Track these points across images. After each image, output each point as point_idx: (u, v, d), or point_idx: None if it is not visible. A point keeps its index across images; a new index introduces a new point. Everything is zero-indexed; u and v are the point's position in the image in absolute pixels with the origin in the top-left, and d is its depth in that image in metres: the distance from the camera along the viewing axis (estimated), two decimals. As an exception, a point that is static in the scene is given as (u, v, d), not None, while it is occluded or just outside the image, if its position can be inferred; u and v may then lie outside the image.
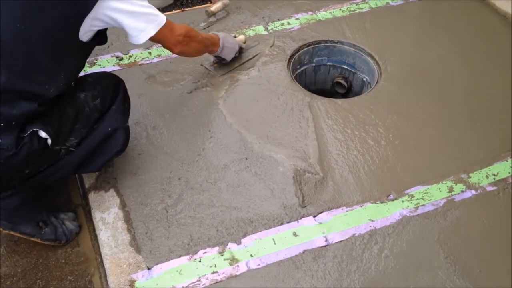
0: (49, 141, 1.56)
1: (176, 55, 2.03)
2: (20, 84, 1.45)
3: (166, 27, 1.73)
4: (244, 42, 2.40)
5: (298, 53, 2.46)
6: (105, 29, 1.66)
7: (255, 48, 2.44)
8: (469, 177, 1.90)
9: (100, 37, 1.67)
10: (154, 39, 1.75)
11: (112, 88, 1.78)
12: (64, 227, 1.86)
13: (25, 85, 1.46)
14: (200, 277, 1.61)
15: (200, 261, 1.65)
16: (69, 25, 1.50)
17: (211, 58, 2.31)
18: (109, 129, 1.75)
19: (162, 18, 1.71)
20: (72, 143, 1.67)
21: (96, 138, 1.74)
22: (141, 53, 2.40)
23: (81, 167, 1.76)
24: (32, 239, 1.78)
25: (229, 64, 2.32)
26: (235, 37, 2.36)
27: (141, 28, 1.65)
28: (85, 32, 1.55)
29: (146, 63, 2.36)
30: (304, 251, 1.68)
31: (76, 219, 1.92)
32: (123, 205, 1.81)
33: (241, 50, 2.37)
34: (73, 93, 1.68)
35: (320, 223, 1.76)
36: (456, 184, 1.88)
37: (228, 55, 2.26)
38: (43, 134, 1.53)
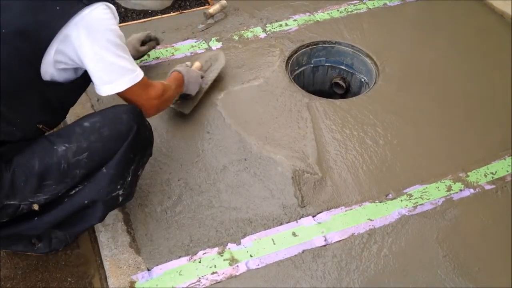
0: None
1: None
2: None
3: (140, 85, 1.52)
4: (201, 68, 2.20)
5: (296, 54, 2.47)
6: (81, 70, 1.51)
7: (211, 68, 2.25)
8: (468, 176, 1.91)
9: (85, 78, 1.51)
10: (122, 96, 1.54)
11: (115, 139, 1.51)
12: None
13: None
14: (200, 278, 1.62)
15: (199, 262, 1.66)
16: (26, 62, 1.36)
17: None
18: (85, 201, 1.54)
19: (137, 74, 1.51)
20: (38, 200, 1.48)
21: (71, 206, 1.56)
22: (140, 55, 2.41)
23: (58, 226, 1.63)
24: (27, 253, 1.77)
25: (193, 98, 2.10)
26: (190, 66, 2.13)
27: (106, 79, 1.46)
28: (50, 72, 1.42)
29: (145, 65, 2.36)
30: (303, 251, 1.68)
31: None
32: (122, 207, 1.81)
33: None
34: (50, 144, 1.48)
35: (319, 223, 1.76)
36: (454, 183, 1.89)
37: (193, 90, 2.03)
38: None
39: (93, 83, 1.49)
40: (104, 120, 1.52)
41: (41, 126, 1.50)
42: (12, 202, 1.45)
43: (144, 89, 1.57)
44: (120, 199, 1.60)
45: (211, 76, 2.22)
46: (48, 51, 1.38)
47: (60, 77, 1.48)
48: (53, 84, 1.46)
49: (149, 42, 2.31)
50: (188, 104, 2.09)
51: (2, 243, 1.70)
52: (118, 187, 1.56)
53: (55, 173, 1.46)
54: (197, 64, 2.17)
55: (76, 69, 1.52)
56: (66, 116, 1.71)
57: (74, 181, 1.51)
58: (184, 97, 2.06)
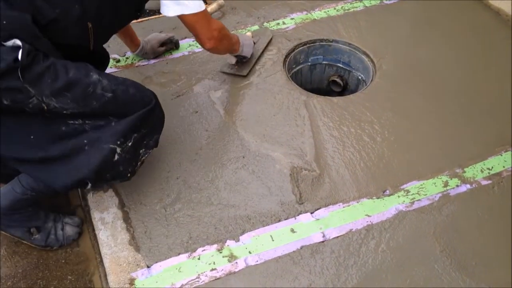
0: (19, 55, 1.36)
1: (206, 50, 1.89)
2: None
3: (204, 15, 1.68)
4: (252, 37, 2.41)
5: (294, 52, 2.48)
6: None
7: (261, 40, 2.46)
8: (464, 172, 1.93)
9: (135, 5, 1.67)
10: (190, 25, 1.70)
11: (134, 100, 1.62)
12: (61, 232, 1.86)
13: None
14: (199, 274, 1.63)
15: (199, 259, 1.67)
16: None
17: (229, 61, 2.29)
18: (85, 140, 1.56)
19: (201, 3, 1.66)
20: (49, 103, 1.46)
21: (70, 142, 1.55)
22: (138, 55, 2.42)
23: (41, 169, 1.57)
24: (23, 241, 1.80)
25: (248, 61, 2.33)
26: None
27: (176, 1, 1.60)
28: None
29: (143, 65, 2.37)
30: (301, 247, 1.70)
31: (80, 225, 1.92)
32: (122, 205, 1.82)
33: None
34: (89, 70, 1.54)
35: (317, 219, 1.77)
36: (451, 179, 1.90)
37: (248, 52, 2.25)
38: (17, 42, 1.36)
39: (161, 3, 1.64)
40: (133, 84, 1.67)
41: (90, 26, 1.55)
42: (30, 89, 1.42)
43: (208, 20, 1.73)
44: (116, 157, 1.60)
45: (262, 44, 2.43)
46: None
47: None
48: None
49: (168, 44, 2.41)
50: (245, 67, 2.31)
51: (3, 220, 1.73)
52: (118, 143, 1.58)
53: (79, 90, 1.50)
54: (248, 33, 2.44)
55: None
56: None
57: (84, 109, 1.52)
58: (240, 60, 2.29)
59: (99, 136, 1.57)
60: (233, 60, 2.27)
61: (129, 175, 1.69)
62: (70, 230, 1.89)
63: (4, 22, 1.35)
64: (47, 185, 1.62)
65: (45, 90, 1.44)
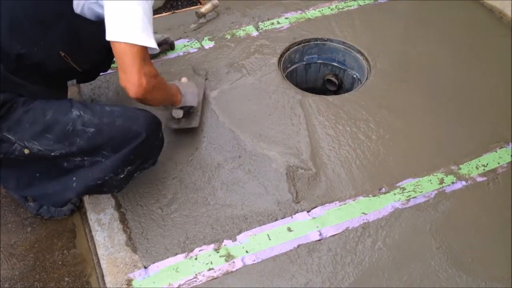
0: None
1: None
2: (5, 41, 1.44)
3: (141, 52, 1.41)
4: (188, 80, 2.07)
5: (289, 51, 2.49)
6: None
7: (198, 81, 2.19)
8: (459, 169, 1.93)
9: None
10: (119, 56, 1.43)
11: (122, 133, 1.54)
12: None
13: (9, 44, 1.44)
14: (196, 274, 1.63)
15: (196, 259, 1.67)
16: None
17: (176, 115, 1.95)
18: (73, 178, 1.61)
19: (145, 39, 1.41)
20: (32, 147, 1.50)
21: (57, 172, 1.62)
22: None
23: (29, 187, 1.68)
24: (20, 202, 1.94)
25: (195, 110, 2.03)
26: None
27: (119, 25, 1.40)
28: (81, 7, 1.48)
29: (138, 66, 2.37)
30: (298, 246, 1.70)
31: (76, 204, 1.94)
32: (118, 206, 1.82)
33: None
34: (69, 106, 1.54)
35: (314, 217, 1.78)
36: (446, 176, 1.91)
37: (193, 101, 1.92)
38: None
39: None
40: (123, 113, 1.57)
41: (63, 54, 1.54)
42: (10, 137, 1.47)
43: (143, 59, 1.43)
44: (105, 189, 1.67)
45: (201, 86, 2.16)
46: None
47: (90, 14, 1.51)
48: (82, 18, 1.50)
49: (163, 45, 2.38)
50: (194, 118, 2.02)
51: (3, 180, 1.80)
52: (106, 178, 1.59)
53: (59, 130, 1.50)
54: (184, 79, 2.03)
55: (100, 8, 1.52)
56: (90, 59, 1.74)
57: (70, 149, 1.53)
58: (187, 111, 1.99)
59: (88, 173, 1.59)
60: (180, 114, 1.94)
61: (115, 191, 1.74)
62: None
63: None
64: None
65: (25, 135, 1.49)
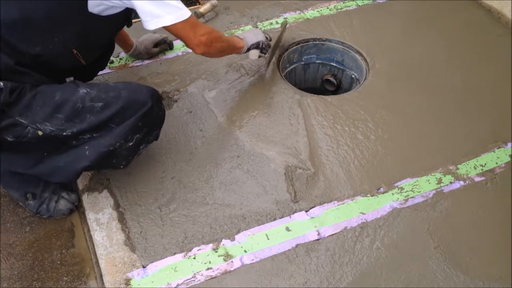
0: (3, 97, 1.46)
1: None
2: (7, 36, 1.47)
3: (188, 23, 1.66)
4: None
5: (287, 51, 2.49)
6: (130, 10, 1.65)
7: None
8: (458, 169, 1.94)
9: (123, 15, 1.66)
10: (174, 33, 1.70)
11: (130, 104, 1.63)
12: (54, 204, 1.91)
13: (10, 38, 1.47)
14: (195, 274, 1.63)
15: (194, 258, 1.67)
16: None
17: (253, 56, 2.14)
18: (86, 147, 1.64)
19: (184, 12, 1.65)
20: (44, 128, 1.55)
21: (71, 148, 1.65)
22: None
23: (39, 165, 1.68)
24: (19, 202, 1.94)
25: (271, 51, 2.26)
26: None
27: (155, 14, 1.59)
28: (96, 5, 1.55)
29: (137, 65, 2.37)
30: (297, 245, 1.70)
31: (75, 203, 1.95)
32: (117, 206, 1.83)
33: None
34: (75, 86, 1.61)
35: (312, 217, 1.78)
36: (444, 176, 1.91)
37: (255, 37, 2.12)
38: (0, 84, 1.46)
39: (141, 19, 1.62)
40: (127, 86, 1.68)
41: (75, 52, 1.64)
42: (22, 121, 1.53)
43: (192, 26, 1.69)
44: (114, 161, 1.70)
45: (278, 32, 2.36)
46: None
47: (103, 11, 1.60)
48: (95, 16, 1.58)
49: (162, 44, 2.41)
50: (269, 57, 2.26)
51: (4, 179, 1.84)
52: (118, 144, 1.65)
53: (69, 109, 1.56)
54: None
55: (116, 8, 1.63)
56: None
57: (81, 126, 1.59)
58: (262, 51, 2.16)
59: (100, 141, 1.64)
60: (256, 54, 2.13)
61: (122, 166, 1.76)
62: (63, 204, 1.92)
63: None
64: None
65: (37, 118, 1.54)
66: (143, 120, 1.66)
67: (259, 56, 2.16)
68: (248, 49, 2.10)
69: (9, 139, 1.55)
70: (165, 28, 1.65)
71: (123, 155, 1.70)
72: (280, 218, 1.78)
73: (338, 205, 1.82)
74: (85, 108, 1.58)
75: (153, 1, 1.57)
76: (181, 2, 1.65)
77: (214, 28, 1.83)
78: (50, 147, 1.65)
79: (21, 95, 1.51)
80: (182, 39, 1.74)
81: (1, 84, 1.46)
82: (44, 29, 1.53)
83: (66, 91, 1.58)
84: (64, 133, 1.58)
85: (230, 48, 1.98)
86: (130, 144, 1.68)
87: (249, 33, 2.12)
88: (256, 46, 2.11)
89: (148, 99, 1.67)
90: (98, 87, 1.64)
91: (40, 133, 1.56)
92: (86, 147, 1.64)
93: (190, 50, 2.40)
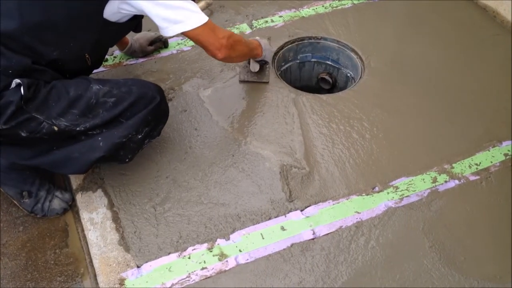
0: (22, 91, 1.48)
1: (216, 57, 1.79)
2: (28, 37, 1.50)
3: (207, 26, 1.64)
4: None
5: (282, 50, 2.48)
6: (141, 16, 1.69)
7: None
8: (452, 168, 1.94)
9: (134, 22, 1.71)
10: (194, 38, 1.66)
11: (140, 98, 1.68)
12: (48, 203, 1.91)
13: (31, 40, 1.51)
14: (189, 274, 1.63)
15: (189, 258, 1.66)
16: (94, 0, 1.56)
17: (253, 68, 2.20)
18: (99, 138, 1.66)
19: (202, 16, 1.62)
20: (59, 124, 1.58)
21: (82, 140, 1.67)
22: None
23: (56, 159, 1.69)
24: (13, 201, 1.91)
25: (264, 68, 2.26)
26: None
27: (172, 19, 1.58)
28: (113, 13, 1.58)
29: (131, 64, 2.36)
30: (292, 245, 1.70)
31: (69, 202, 1.94)
32: (111, 205, 1.82)
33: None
34: (88, 82, 1.64)
35: (307, 216, 1.78)
36: (439, 175, 1.91)
37: (269, 57, 2.21)
38: (17, 80, 1.48)
39: (158, 27, 1.63)
40: (136, 82, 1.73)
41: (87, 56, 1.69)
42: (38, 116, 1.55)
43: (211, 30, 1.67)
44: (122, 153, 1.73)
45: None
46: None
47: (115, 18, 1.64)
48: (111, 23, 1.63)
49: (157, 43, 2.40)
50: (266, 74, 2.26)
51: (2, 175, 1.83)
52: (130, 136, 1.68)
53: (83, 104, 1.60)
54: (264, 40, 2.22)
55: (129, 15, 1.67)
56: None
57: (94, 121, 1.62)
58: (261, 67, 2.23)
59: (113, 132, 1.67)
60: (257, 67, 2.19)
61: (127, 160, 1.78)
62: (57, 204, 1.92)
63: (10, 71, 1.48)
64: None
65: (52, 113, 1.57)
66: (152, 114, 1.71)
67: (253, 71, 2.23)
68: (258, 60, 2.17)
69: (23, 134, 1.56)
70: (184, 33, 1.63)
71: (131, 147, 1.73)
72: (275, 217, 1.78)
73: (333, 204, 1.82)
74: (99, 103, 1.62)
75: (168, 7, 1.56)
76: (196, 5, 1.64)
77: (232, 32, 1.82)
78: (60, 141, 1.67)
79: (37, 91, 1.54)
80: (202, 44, 1.70)
81: (18, 80, 1.48)
82: (63, 32, 1.56)
83: (80, 87, 1.61)
84: (77, 129, 1.61)
85: (250, 52, 1.99)
86: (140, 136, 1.72)
87: (268, 51, 2.16)
88: (265, 62, 2.22)
89: (156, 94, 1.72)
90: (110, 83, 1.67)
91: (55, 128, 1.58)
92: (100, 138, 1.66)
93: (185, 48, 2.45)
